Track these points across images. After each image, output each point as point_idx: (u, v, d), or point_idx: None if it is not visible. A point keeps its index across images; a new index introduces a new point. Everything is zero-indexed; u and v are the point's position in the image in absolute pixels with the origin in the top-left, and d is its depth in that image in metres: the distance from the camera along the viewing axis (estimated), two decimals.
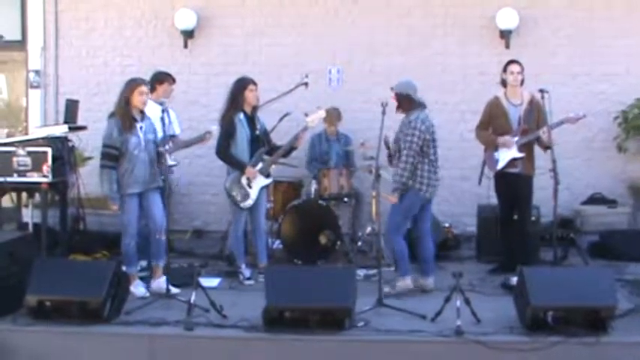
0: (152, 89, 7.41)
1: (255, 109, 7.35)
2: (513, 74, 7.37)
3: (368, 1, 9.59)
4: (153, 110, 6.97)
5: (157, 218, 6.72)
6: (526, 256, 7.22)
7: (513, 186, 7.44)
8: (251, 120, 7.30)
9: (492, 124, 7.53)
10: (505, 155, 7.38)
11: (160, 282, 6.73)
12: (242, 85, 7.27)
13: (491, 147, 7.49)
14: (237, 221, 7.38)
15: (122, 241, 6.77)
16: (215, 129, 7.48)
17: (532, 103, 7.35)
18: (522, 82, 7.43)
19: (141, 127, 6.66)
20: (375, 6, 9.57)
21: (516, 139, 7.33)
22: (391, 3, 9.56)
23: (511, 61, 7.49)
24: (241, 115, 7.23)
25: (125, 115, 6.59)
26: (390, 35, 9.55)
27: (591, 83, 9.35)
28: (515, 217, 7.49)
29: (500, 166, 7.44)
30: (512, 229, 7.50)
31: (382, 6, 9.56)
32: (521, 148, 7.32)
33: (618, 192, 9.34)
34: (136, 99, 6.60)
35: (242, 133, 7.21)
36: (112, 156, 6.58)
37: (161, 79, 7.66)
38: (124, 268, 6.54)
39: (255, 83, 7.30)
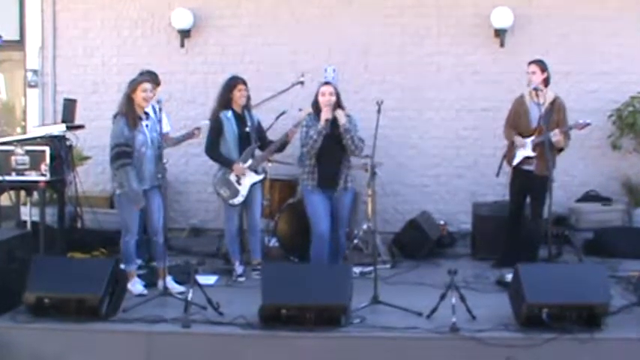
0: None
1: (246, 107, 7.30)
2: (528, 74, 7.42)
3: (363, 1, 9.54)
4: None
5: (155, 221, 6.69)
6: (530, 252, 7.26)
7: (526, 183, 7.50)
8: (240, 118, 7.25)
9: (515, 121, 7.57)
10: (520, 153, 7.45)
11: (168, 282, 6.66)
12: (231, 84, 7.26)
13: (511, 144, 7.57)
14: (228, 218, 7.35)
15: (122, 238, 6.71)
16: (204, 124, 7.45)
17: (554, 103, 7.36)
18: (547, 81, 7.41)
19: (146, 125, 6.63)
20: (369, 6, 9.52)
21: (532, 138, 7.36)
22: (385, 3, 9.51)
23: (530, 61, 7.48)
24: (229, 114, 7.20)
25: (130, 113, 6.55)
26: (385, 35, 9.50)
27: (585, 82, 9.29)
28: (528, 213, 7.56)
29: (514, 162, 7.54)
30: (518, 225, 7.55)
31: (377, 6, 9.51)
32: (534, 148, 7.34)
33: (612, 189, 9.31)
34: (139, 97, 6.56)
35: (230, 130, 7.18)
36: (128, 153, 6.49)
37: None
38: (122, 266, 6.54)
39: (245, 83, 7.26)
